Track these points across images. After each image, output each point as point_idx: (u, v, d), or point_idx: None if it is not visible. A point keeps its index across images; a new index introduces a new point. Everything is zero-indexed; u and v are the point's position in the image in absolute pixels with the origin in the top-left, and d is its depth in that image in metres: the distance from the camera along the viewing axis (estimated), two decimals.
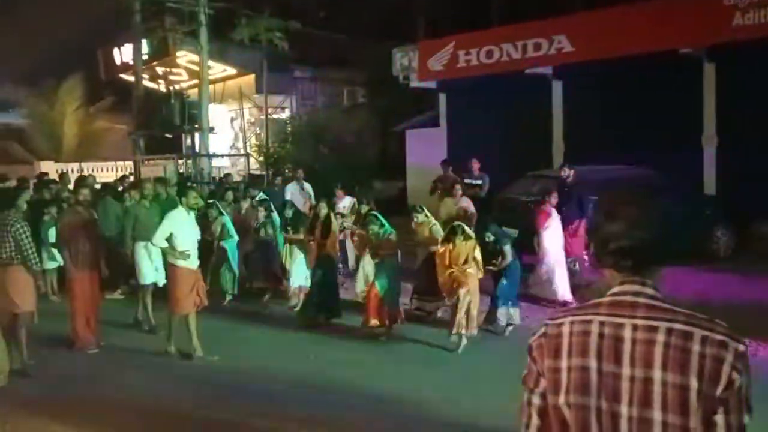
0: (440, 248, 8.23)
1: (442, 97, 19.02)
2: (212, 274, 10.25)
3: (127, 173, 17.86)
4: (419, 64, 18.07)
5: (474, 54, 16.71)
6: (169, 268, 7.76)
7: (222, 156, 22.08)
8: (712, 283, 10.02)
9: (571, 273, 9.66)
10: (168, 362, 7.76)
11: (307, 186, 13.63)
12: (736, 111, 13.12)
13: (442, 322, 8.92)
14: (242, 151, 23.20)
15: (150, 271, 9.02)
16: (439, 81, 18.32)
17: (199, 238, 7.92)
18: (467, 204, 10.53)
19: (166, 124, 19.07)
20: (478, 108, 17.27)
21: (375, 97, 22.33)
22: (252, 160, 21.50)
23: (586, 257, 10.00)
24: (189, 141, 22.97)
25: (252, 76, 23.65)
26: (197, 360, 7.72)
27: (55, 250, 10.13)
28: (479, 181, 12.26)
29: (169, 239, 7.55)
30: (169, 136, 20.75)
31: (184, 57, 22.95)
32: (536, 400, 1.77)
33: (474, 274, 7.96)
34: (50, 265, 10.57)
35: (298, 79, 23.92)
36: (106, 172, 20.39)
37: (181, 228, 7.58)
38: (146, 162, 19.26)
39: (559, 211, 9.61)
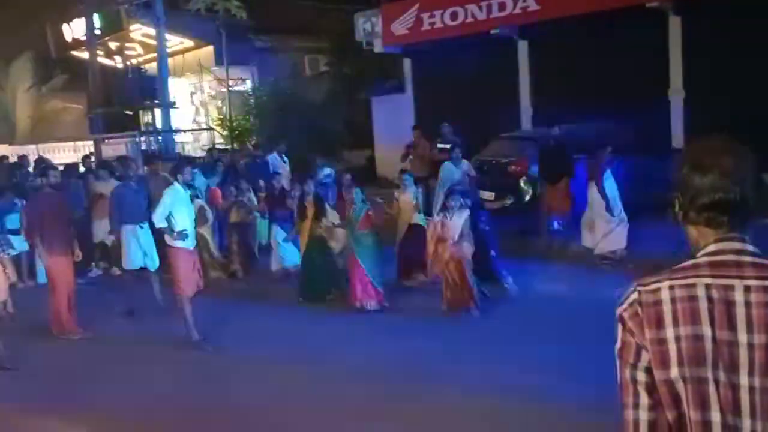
0: (436, 218, 8.11)
1: (407, 62, 18.72)
2: None
3: (88, 153, 17.30)
4: (383, 28, 17.72)
5: (438, 16, 16.43)
6: (168, 250, 7.39)
7: (185, 131, 21.53)
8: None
9: (554, 232, 9.69)
10: (155, 347, 7.53)
11: (286, 159, 13.36)
12: (702, 64, 13.15)
13: (430, 291, 8.88)
14: (204, 126, 22.70)
15: (138, 255, 8.63)
16: (404, 45, 18.01)
17: (195, 216, 7.59)
18: (469, 167, 10.29)
19: (126, 100, 18.46)
20: (444, 72, 17.05)
21: (338, 64, 21.92)
22: (216, 134, 21.02)
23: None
24: (147, 117, 22.39)
25: (210, 48, 22.99)
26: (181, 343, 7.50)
27: (11, 237, 9.71)
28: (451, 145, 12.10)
29: (167, 219, 7.20)
30: (129, 113, 20.12)
31: (138, 30, 22.19)
32: (641, 376, 1.60)
33: (470, 247, 7.88)
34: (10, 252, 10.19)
35: (258, 49, 23.31)
36: (65, 153, 19.76)
37: (179, 206, 7.24)
38: (106, 141, 18.66)
39: (545, 171, 9.56)
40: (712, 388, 1.52)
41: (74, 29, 22.91)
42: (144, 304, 8.77)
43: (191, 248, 7.41)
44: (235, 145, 20.09)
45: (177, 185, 7.37)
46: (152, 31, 20.43)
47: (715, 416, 1.52)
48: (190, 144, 22.78)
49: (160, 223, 7.28)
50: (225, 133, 21.33)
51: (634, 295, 1.64)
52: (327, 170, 11.16)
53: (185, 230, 7.22)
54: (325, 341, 7.50)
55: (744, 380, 1.50)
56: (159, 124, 20.12)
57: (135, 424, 5.71)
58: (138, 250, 8.60)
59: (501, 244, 9.03)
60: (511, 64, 16.05)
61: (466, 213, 8.05)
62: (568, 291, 8.89)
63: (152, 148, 17.79)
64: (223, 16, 19.65)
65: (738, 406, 1.51)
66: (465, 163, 10.33)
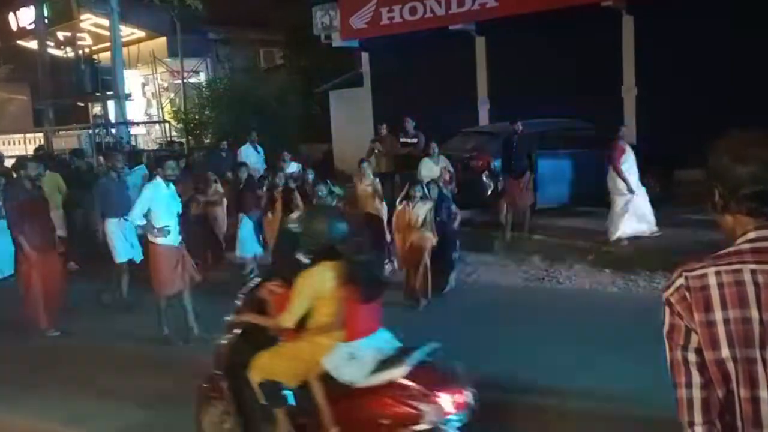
0: (398, 207, 8.22)
1: (365, 56, 18.76)
2: None
3: (39, 146, 16.81)
4: (341, 22, 17.73)
5: (397, 11, 16.53)
6: (149, 246, 7.20)
7: (139, 124, 21.12)
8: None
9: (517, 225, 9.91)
10: (123, 342, 7.39)
11: (260, 149, 13.19)
12: (654, 62, 13.57)
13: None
14: (156, 118, 22.32)
15: (125, 248, 8.39)
16: (362, 39, 18.05)
17: (180, 211, 7.34)
18: (447, 163, 10.22)
19: (77, 91, 17.99)
20: (403, 66, 17.17)
21: (295, 57, 21.81)
22: (170, 127, 20.68)
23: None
24: (97, 109, 21.90)
25: (163, 39, 22.63)
26: (197, 339, 7.20)
27: None
28: (414, 140, 12.23)
29: (146, 215, 7.01)
30: (81, 104, 19.62)
31: (88, 20, 21.68)
32: (692, 356, 1.70)
33: (431, 237, 7.99)
34: None
35: (212, 40, 23.02)
36: (14, 146, 19.11)
37: (160, 202, 7.04)
38: (58, 133, 18.17)
39: (508, 166, 9.73)
40: (760, 368, 1.63)
41: (21, 18, 22.23)
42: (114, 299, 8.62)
43: (175, 245, 7.17)
44: (190, 138, 19.85)
45: (158, 180, 7.16)
46: (103, 21, 20.02)
47: (764, 393, 1.64)
48: (142, 137, 22.41)
49: (137, 220, 7.10)
50: (179, 125, 21.03)
51: (681, 281, 1.72)
52: (293, 166, 11.12)
53: (167, 226, 7.02)
54: None
55: None
56: (110, 116, 19.75)
57: (104, 421, 5.64)
58: (125, 242, 8.40)
59: (463, 237, 9.19)
60: (468, 59, 16.27)
61: (429, 204, 8.15)
62: (528, 283, 9.12)
63: (105, 140, 17.40)
64: (177, 6, 19.30)
65: None
66: (443, 159, 10.30)
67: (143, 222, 7.07)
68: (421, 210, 8.04)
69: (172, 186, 7.28)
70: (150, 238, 7.14)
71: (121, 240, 8.40)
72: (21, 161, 7.92)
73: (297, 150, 17.69)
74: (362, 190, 9.37)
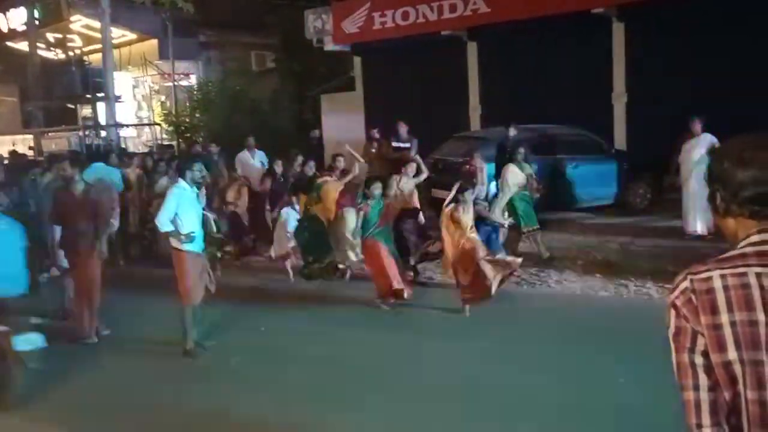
0: (447, 209, 8.02)
1: (357, 60, 18.81)
2: None
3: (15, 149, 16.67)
4: (334, 26, 17.77)
5: (389, 15, 16.59)
6: (174, 253, 6.86)
7: (129, 126, 21.03)
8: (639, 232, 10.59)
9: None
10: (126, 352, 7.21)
11: (260, 154, 12.83)
12: (644, 69, 13.66)
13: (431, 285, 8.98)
14: (146, 121, 22.23)
15: None
16: (355, 44, 18.09)
17: (201, 215, 7.03)
18: (533, 169, 9.60)
19: (67, 93, 17.89)
20: (395, 71, 17.22)
21: (287, 60, 21.82)
22: (161, 130, 20.60)
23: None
24: (86, 111, 21.80)
25: (154, 42, 22.56)
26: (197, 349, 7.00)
27: None
28: (407, 145, 12.22)
29: (172, 221, 6.72)
30: (70, 106, 19.53)
31: (78, 22, 21.60)
32: (699, 359, 1.70)
33: (480, 244, 7.92)
34: None
35: (203, 43, 22.97)
36: (2, 147, 18.98)
37: (186, 207, 6.75)
38: (47, 135, 18.04)
39: (500, 170, 9.74)
40: (767, 370, 1.63)
41: (11, 19, 22.13)
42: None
43: (199, 251, 6.92)
44: (180, 141, 19.79)
45: (182, 184, 6.84)
46: (93, 23, 19.96)
47: None
48: (132, 139, 22.30)
49: (165, 227, 6.74)
50: (170, 128, 20.97)
51: (686, 284, 1.72)
52: (311, 164, 11.04)
53: (193, 232, 6.75)
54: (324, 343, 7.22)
55: None
56: (100, 118, 19.67)
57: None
58: None
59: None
60: (460, 64, 16.33)
61: (471, 211, 8.06)
62: (519, 287, 9.11)
63: (95, 142, 17.31)
64: (169, 8, 19.26)
65: None
66: (527, 165, 9.41)
67: (171, 228, 6.74)
68: (468, 215, 7.97)
69: (195, 189, 6.97)
70: (175, 244, 6.82)
71: None
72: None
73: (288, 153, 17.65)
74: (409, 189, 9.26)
